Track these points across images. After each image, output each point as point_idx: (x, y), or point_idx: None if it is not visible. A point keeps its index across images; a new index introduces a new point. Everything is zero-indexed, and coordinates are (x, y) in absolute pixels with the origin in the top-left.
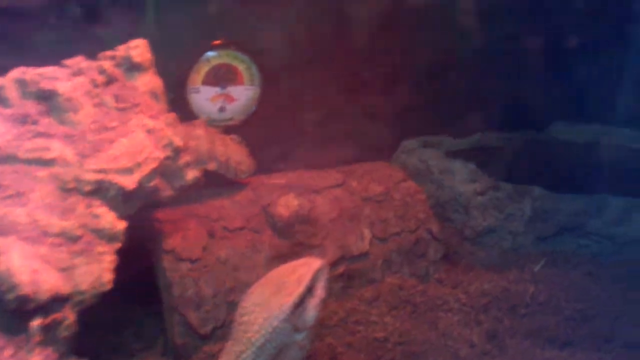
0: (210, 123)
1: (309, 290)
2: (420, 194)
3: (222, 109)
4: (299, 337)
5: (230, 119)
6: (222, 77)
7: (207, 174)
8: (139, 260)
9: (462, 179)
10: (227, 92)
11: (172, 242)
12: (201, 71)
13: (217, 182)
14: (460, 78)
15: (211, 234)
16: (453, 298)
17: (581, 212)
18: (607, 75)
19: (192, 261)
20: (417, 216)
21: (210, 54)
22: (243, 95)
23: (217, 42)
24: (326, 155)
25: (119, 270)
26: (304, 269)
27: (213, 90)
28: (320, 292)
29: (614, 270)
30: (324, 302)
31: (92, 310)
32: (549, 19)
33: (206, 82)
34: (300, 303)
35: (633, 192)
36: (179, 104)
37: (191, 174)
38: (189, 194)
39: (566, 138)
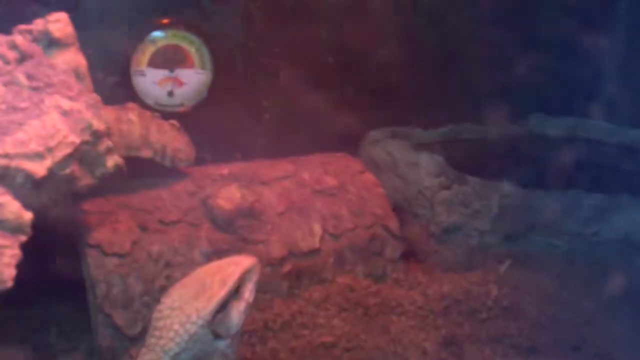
0: (159, 108)
1: (235, 293)
2: (378, 188)
3: (170, 94)
4: (221, 344)
5: (181, 105)
6: (170, 59)
7: (143, 162)
8: (65, 254)
9: (428, 172)
10: (175, 76)
11: (98, 235)
12: (147, 52)
13: (155, 171)
14: (433, 66)
15: (143, 227)
16: (409, 301)
17: (553, 209)
18: (586, 67)
19: (120, 256)
20: (374, 211)
21: (156, 33)
22: (193, 79)
23: (164, 20)
24: (283, 146)
25: (43, 264)
26: (231, 269)
27: (160, 73)
28: (247, 295)
29: (586, 272)
30: (252, 307)
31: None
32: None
33: (152, 64)
34: (223, 308)
35: (608, 189)
36: (123, 88)
37: (112, 161)
38: (123, 185)
39: (542, 131)
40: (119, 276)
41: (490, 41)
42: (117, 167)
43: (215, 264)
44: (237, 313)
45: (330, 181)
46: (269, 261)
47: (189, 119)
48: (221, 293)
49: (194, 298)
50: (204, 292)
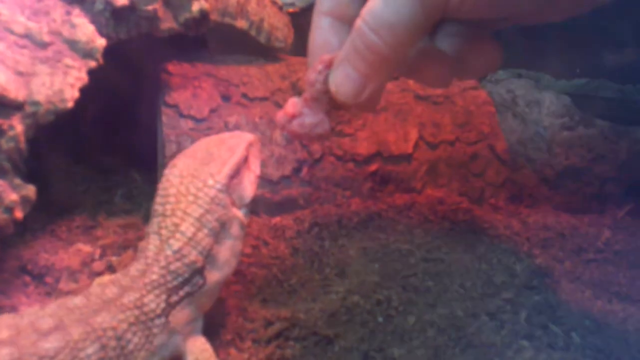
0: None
1: (244, 162)
2: (489, 106)
3: None
4: (239, 213)
5: (291, 5)
6: None
7: (238, 36)
8: (141, 114)
9: (551, 111)
10: None
11: (178, 96)
12: None
13: (250, 50)
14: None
15: (226, 97)
16: (504, 225)
17: None
18: None
19: (196, 120)
20: (480, 128)
21: None
22: None
23: None
24: None
25: (118, 117)
26: (235, 140)
27: None
28: (255, 168)
29: None
30: (259, 181)
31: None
32: None
33: None
34: (236, 174)
35: None
36: None
37: (197, 5)
38: (212, 56)
39: None
40: (191, 139)
41: None
42: (202, 14)
43: (216, 137)
44: (249, 183)
45: (436, 89)
46: (353, 156)
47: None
48: (233, 158)
49: (204, 164)
50: (213, 160)
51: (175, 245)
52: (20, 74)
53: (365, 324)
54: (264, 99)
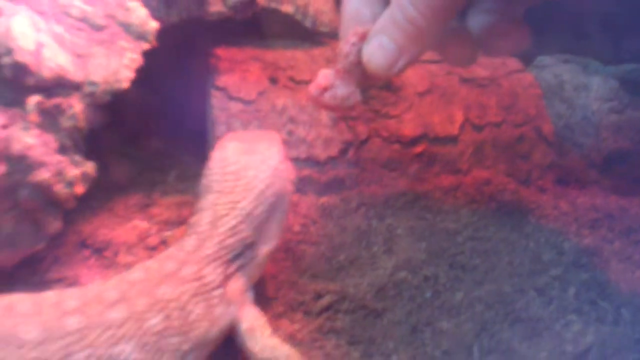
0: None
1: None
2: (535, 89)
3: None
4: (290, 188)
5: None
6: None
7: (284, 21)
8: (190, 98)
9: (598, 95)
10: None
11: (227, 79)
12: None
13: (296, 34)
14: None
15: (273, 80)
16: (551, 205)
17: None
18: None
19: (244, 102)
20: (527, 111)
21: None
22: None
23: None
24: None
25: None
26: (268, 134)
27: None
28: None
29: None
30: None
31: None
32: None
33: None
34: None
35: None
36: None
37: None
38: (259, 41)
39: None
40: (240, 122)
41: None
42: None
43: (245, 132)
44: (290, 167)
45: (482, 72)
46: (399, 138)
47: None
48: (278, 141)
49: (255, 143)
50: (260, 142)
51: (231, 222)
52: (78, 55)
53: (413, 298)
54: (310, 82)
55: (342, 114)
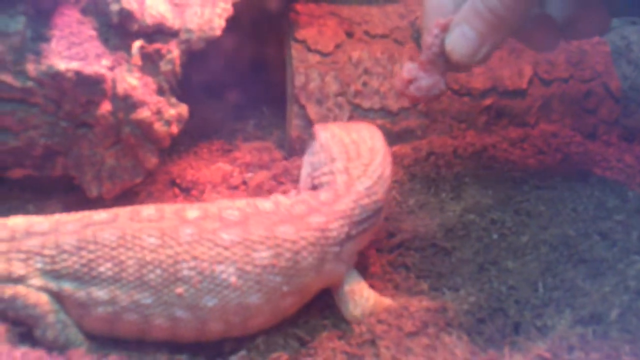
0: None
1: None
2: (603, 46)
3: None
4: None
5: None
6: None
7: None
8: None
9: None
10: None
11: (305, 33)
12: None
13: None
14: None
15: (349, 34)
16: (617, 158)
17: None
18: None
19: (322, 54)
20: (595, 67)
21: None
22: None
23: None
24: None
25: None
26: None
27: None
28: None
29: None
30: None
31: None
32: None
33: None
34: None
35: None
36: None
37: None
38: None
39: None
40: (318, 72)
41: None
42: None
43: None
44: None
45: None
46: (469, 91)
47: None
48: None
49: (354, 125)
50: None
51: (367, 182)
52: (175, 4)
53: (481, 239)
54: (384, 36)
55: (429, 103)
